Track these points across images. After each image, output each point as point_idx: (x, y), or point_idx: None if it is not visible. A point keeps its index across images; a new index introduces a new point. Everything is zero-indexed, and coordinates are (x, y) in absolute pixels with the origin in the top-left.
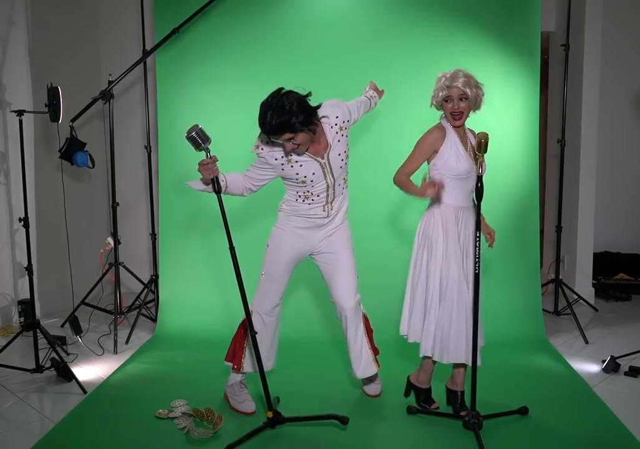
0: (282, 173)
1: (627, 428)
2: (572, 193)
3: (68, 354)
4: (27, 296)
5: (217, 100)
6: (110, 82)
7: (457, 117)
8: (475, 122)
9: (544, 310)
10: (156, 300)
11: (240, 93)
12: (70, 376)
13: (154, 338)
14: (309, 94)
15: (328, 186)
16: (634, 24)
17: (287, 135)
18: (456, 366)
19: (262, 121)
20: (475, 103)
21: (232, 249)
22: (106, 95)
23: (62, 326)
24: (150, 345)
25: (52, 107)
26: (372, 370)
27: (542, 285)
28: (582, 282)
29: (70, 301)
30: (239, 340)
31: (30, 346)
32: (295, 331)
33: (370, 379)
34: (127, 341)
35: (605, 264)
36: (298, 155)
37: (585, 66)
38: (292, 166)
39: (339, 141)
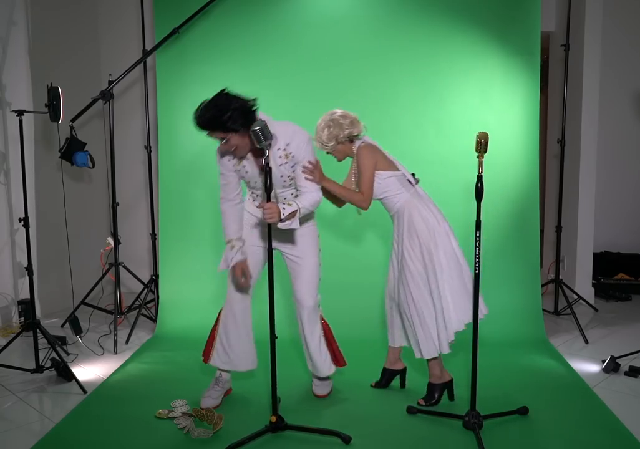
0: (238, 174)
1: (627, 428)
2: (572, 193)
3: (68, 354)
4: (27, 296)
5: None
6: (110, 82)
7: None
8: (475, 122)
9: (544, 310)
10: (156, 300)
11: (241, 93)
12: (70, 376)
13: (154, 338)
14: (254, 99)
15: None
16: (634, 24)
17: (219, 134)
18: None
19: (195, 115)
20: (337, 145)
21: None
22: (106, 95)
23: (62, 326)
24: (150, 345)
25: (52, 107)
26: (328, 370)
27: (542, 285)
28: (582, 282)
29: (70, 301)
30: (212, 333)
31: (30, 346)
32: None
33: (321, 378)
34: (127, 341)
35: (605, 264)
36: (239, 158)
37: (585, 66)
38: (243, 165)
39: (280, 165)
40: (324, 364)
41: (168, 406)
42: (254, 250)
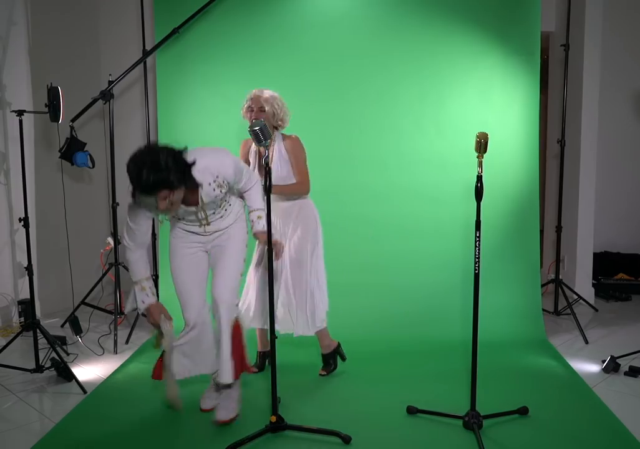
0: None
1: (627, 427)
2: (572, 193)
3: (68, 354)
4: (27, 296)
5: (217, 100)
6: (110, 82)
7: None
8: (475, 122)
9: (544, 310)
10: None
11: (240, 93)
12: (70, 376)
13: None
14: (184, 149)
15: (200, 219)
16: (634, 24)
17: (164, 193)
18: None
19: (137, 180)
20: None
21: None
22: (106, 95)
23: (62, 326)
24: (150, 345)
25: (52, 107)
26: (227, 377)
27: (542, 285)
28: (582, 282)
29: (70, 301)
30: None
31: (30, 346)
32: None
33: (226, 398)
34: (127, 341)
35: (605, 264)
36: (171, 212)
37: (585, 66)
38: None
39: (216, 196)
40: (225, 371)
41: (168, 406)
42: (192, 252)
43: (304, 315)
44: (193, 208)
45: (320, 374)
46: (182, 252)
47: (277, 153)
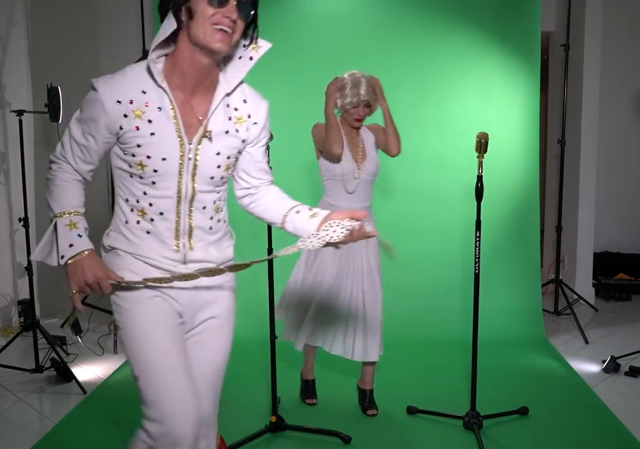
0: (116, 137)
1: (627, 428)
2: (572, 193)
3: (68, 354)
4: (27, 296)
5: None
6: None
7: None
8: (475, 122)
9: (544, 310)
10: None
11: None
12: (70, 377)
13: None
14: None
15: (180, 196)
16: (634, 24)
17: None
18: (365, 364)
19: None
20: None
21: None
22: None
23: (62, 326)
24: None
25: (52, 107)
26: None
27: (542, 285)
28: (582, 282)
29: (70, 301)
30: None
31: (30, 346)
32: None
33: None
34: None
35: (605, 264)
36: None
37: (585, 66)
38: (137, 119)
39: (226, 132)
40: None
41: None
42: (157, 301)
43: (375, 337)
44: (184, 139)
45: (372, 415)
46: (145, 300)
47: (368, 143)
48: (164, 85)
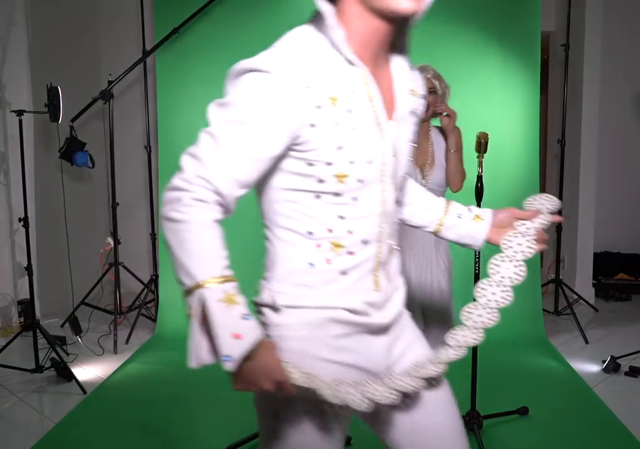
0: (295, 142)
1: (627, 428)
2: (572, 193)
3: (68, 354)
4: (27, 296)
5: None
6: (110, 82)
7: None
8: (475, 122)
9: (544, 310)
10: (156, 300)
11: None
12: (70, 376)
13: (154, 338)
14: None
15: (384, 211)
16: (635, 24)
17: None
18: None
19: None
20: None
21: None
22: (106, 95)
23: (62, 326)
24: (150, 345)
25: (52, 107)
26: None
27: (542, 285)
28: (582, 282)
29: (70, 301)
30: None
31: (30, 346)
32: None
33: None
34: (127, 341)
35: (605, 264)
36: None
37: (585, 66)
38: (334, 109)
39: (411, 112)
40: None
41: (168, 406)
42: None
43: None
44: (380, 117)
45: None
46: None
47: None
48: (354, 58)
